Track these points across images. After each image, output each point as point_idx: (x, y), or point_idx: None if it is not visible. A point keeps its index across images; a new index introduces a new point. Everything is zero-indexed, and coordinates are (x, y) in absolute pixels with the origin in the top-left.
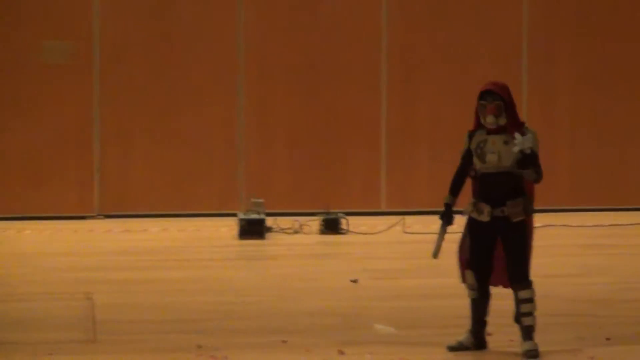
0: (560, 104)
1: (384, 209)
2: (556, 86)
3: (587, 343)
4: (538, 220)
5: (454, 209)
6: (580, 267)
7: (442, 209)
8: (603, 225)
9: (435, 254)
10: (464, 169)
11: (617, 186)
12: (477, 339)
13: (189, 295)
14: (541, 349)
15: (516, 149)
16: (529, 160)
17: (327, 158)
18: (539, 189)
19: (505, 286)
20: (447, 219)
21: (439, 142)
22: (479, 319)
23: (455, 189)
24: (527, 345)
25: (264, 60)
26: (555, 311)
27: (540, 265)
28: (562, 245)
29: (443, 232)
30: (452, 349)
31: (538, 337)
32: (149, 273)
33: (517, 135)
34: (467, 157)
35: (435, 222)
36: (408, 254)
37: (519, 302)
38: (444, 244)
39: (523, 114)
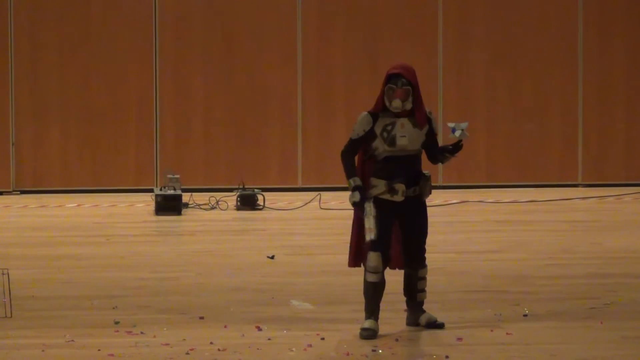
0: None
1: (300, 184)
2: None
3: (504, 319)
4: (454, 196)
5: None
6: (496, 243)
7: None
8: (519, 202)
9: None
10: (356, 151)
11: (535, 162)
12: (377, 323)
13: (105, 271)
14: (459, 325)
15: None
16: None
17: (244, 134)
18: (455, 165)
19: (400, 268)
20: (366, 199)
21: (355, 117)
22: (378, 304)
23: (355, 170)
24: (430, 316)
25: (181, 34)
26: (472, 287)
27: (456, 242)
28: (479, 221)
29: (372, 212)
30: (366, 337)
31: (456, 313)
32: (65, 249)
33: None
34: (367, 138)
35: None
36: (325, 230)
37: (418, 279)
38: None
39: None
